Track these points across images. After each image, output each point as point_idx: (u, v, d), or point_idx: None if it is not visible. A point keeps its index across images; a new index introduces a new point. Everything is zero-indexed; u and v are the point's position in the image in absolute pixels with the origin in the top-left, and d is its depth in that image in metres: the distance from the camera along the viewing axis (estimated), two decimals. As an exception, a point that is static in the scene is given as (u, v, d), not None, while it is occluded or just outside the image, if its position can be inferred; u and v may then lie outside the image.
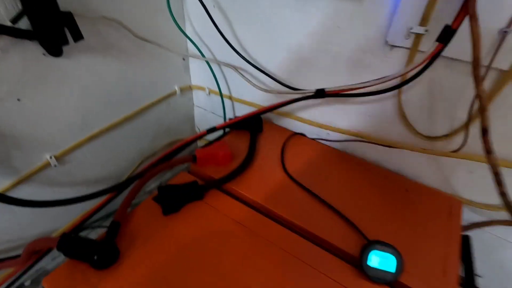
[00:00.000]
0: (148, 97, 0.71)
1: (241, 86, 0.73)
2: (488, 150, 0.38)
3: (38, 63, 0.47)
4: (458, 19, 0.36)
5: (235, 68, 0.68)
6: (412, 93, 0.50)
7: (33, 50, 0.46)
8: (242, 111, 0.77)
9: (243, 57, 0.64)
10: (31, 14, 0.42)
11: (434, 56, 0.39)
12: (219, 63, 0.72)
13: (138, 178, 0.55)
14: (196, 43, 0.71)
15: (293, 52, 0.60)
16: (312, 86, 0.60)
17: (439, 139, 0.52)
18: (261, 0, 0.57)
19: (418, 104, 0.51)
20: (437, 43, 0.38)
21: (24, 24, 0.43)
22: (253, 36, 0.64)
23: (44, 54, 0.47)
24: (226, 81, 0.76)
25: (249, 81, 0.66)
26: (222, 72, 0.74)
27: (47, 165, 0.55)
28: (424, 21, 0.43)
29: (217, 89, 0.76)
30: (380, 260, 0.39)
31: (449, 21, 0.39)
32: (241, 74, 0.68)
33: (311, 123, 0.66)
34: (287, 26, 0.57)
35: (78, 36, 0.48)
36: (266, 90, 0.66)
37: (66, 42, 0.47)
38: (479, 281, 0.62)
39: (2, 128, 0.47)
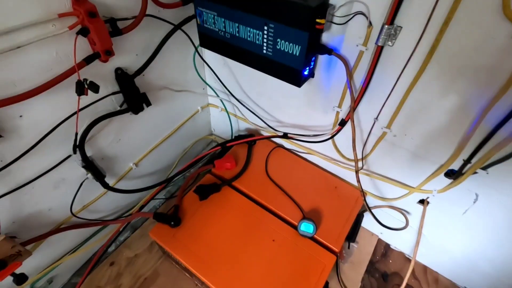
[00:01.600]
0: (180, 119, 1.09)
1: (242, 111, 1.09)
2: (357, 180, 0.77)
3: (128, 119, 0.85)
4: (347, 117, 0.72)
5: (236, 105, 1.05)
6: (339, 136, 0.87)
7: (126, 114, 0.83)
8: (243, 125, 1.15)
9: (238, 99, 1.00)
10: (128, 101, 0.79)
11: (338, 131, 0.76)
12: (228, 99, 1.07)
13: (178, 174, 0.97)
14: (212, 85, 1.06)
15: (271, 100, 0.95)
16: (285, 118, 0.97)
17: (353, 161, 0.90)
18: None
19: (343, 141, 0.88)
20: (339, 126, 0.75)
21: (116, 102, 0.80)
22: (248, 84, 0.98)
23: (131, 114, 0.84)
24: (232, 106, 1.12)
25: (244, 117, 1.03)
26: (231, 101, 1.10)
27: (130, 169, 0.96)
28: (339, 105, 0.78)
29: (226, 110, 1.13)
30: (305, 227, 0.81)
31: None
32: (239, 110, 1.04)
33: (286, 141, 1.04)
34: (268, 85, 0.92)
35: (148, 104, 0.85)
36: (254, 125, 1.03)
37: (143, 109, 0.84)
38: (380, 235, 1.06)
39: (111, 155, 0.87)
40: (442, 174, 0.74)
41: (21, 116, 0.60)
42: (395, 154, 0.79)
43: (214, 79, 1.06)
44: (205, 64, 1.02)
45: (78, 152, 0.73)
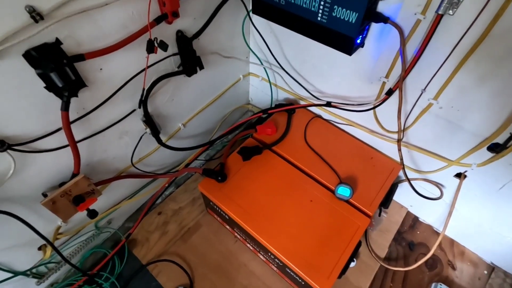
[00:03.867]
0: (224, 86, 1.14)
1: (282, 80, 1.13)
2: (399, 149, 0.81)
3: (182, 81, 0.92)
4: (395, 87, 0.74)
5: (278, 73, 1.08)
6: (382, 107, 0.89)
7: (180, 76, 0.89)
8: (283, 94, 1.19)
9: (283, 68, 1.03)
10: (184, 63, 0.85)
11: (384, 100, 0.78)
12: (270, 67, 1.11)
13: (218, 139, 1.05)
14: (257, 52, 1.10)
15: (315, 68, 0.98)
16: (327, 88, 1.00)
17: (393, 133, 0.92)
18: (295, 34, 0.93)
19: (384, 112, 0.91)
20: (385, 95, 0.77)
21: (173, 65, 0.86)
22: (293, 52, 1.01)
23: (184, 76, 0.91)
24: (273, 74, 1.15)
25: (287, 86, 1.07)
26: (272, 68, 1.13)
27: (179, 129, 1.04)
28: (387, 75, 0.80)
29: (267, 78, 1.17)
30: (342, 191, 0.87)
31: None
32: (282, 77, 1.08)
33: (325, 111, 1.08)
34: (313, 53, 0.94)
35: (201, 67, 0.90)
36: (294, 94, 1.07)
37: (196, 71, 0.90)
38: (409, 207, 1.10)
39: (165, 113, 0.94)
40: (485, 148, 0.76)
41: (101, 69, 0.67)
42: (438, 126, 0.81)
43: (258, 47, 1.09)
44: (251, 31, 1.05)
45: (142, 107, 0.80)
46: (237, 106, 1.31)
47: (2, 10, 0.48)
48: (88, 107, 0.70)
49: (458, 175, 0.88)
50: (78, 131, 0.71)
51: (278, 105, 1.09)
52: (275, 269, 0.94)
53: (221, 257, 0.99)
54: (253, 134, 1.04)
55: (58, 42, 0.56)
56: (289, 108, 1.04)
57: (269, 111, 1.06)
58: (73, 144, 0.66)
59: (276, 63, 1.05)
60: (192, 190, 1.17)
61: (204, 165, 1.26)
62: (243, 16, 0.98)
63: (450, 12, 0.60)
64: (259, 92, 1.29)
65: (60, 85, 0.59)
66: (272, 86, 1.19)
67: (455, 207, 0.92)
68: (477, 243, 1.01)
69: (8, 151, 0.59)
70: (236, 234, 1.01)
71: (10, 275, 0.76)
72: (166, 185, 1.09)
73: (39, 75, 0.57)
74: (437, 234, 1.07)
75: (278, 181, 0.92)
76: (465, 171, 0.86)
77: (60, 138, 0.67)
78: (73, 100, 0.64)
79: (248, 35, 1.07)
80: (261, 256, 0.96)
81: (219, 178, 0.90)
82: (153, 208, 1.11)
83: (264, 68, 1.13)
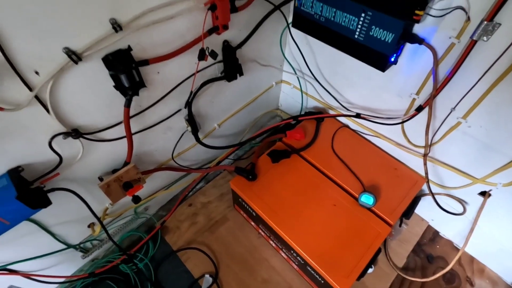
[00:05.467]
0: (258, 91, 1.22)
1: (313, 89, 1.19)
2: (425, 163, 0.84)
3: (222, 85, 1.00)
4: (426, 104, 0.78)
5: (309, 82, 1.14)
6: (410, 121, 0.93)
7: (222, 81, 0.97)
8: (312, 103, 1.25)
9: (315, 78, 1.09)
10: (227, 69, 0.93)
11: (413, 116, 0.82)
12: (303, 76, 1.17)
13: (250, 140, 1.12)
14: (291, 61, 1.16)
15: (346, 79, 1.03)
16: (356, 99, 1.05)
17: (420, 147, 0.96)
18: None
19: (412, 126, 0.94)
20: (415, 111, 0.81)
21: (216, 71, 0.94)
22: (325, 63, 1.06)
23: (225, 81, 0.99)
24: (305, 83, 1.21)
25: (317, 95, 1.13)
26: (304, 77, 1.20)
27: (214, 129, 1.13)
28: (417, 92, 0.84)
29: (299, 87, 1.23)
30: (366, 199, 0.91)
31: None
32: (313, 86, 1.14)
33: (353, 121, 1.12)
34: (346, 66, 0.99)
35: (241, 74, 0.98)
36: (323, 103, 1.12)
37: (236, 78, 0.98)
38: (431, 221, 1.13)
39: (204, 113, 1.03)
40: (511, 169, 0.78)
41: (158, 72, 0.77)
42: (464, 144, 0.84)
43: (292, 57, 1.16)
44: (287, 42, 1.12)
45: (187, 107, 0.89)
46: (267, 111, 1.38)
47: (92, 22, 0.58)
48: (144, 105, 0.80)
49: (483, 193, 0.90)
50: (133, 125, 0.80)
51: (308, 113, 1.15)
52: (295, 267, 1.00)
53: (244, 250, 1.06)
54: (283, 138, 1.11)
55: (129, 48, 0.66)
56: (319, 116, 1.10)
57: (299, 118, 1.12)
58: (129, 136, 0.76)
59: (309, 73, 1.12)
60: (220, 186, 1.25)
61: (232, 164, 1.33)
62: (282, 28, 1.05)
63: (484, 38, 0.64)
64: (289, 98, 1.35)
65: (126, 85, 0.69)
66: (303, 94, 1.25)
67: (478, 224, 0.94)
68: (498, 262, 1.02)
69: (80, 138, 0.69)
70: (260, 230, 1.08)
71: (64, 246, 0.87)
72: (199, 180, 1.18)
73: (111, 76, 0.67)
74: (457, 249, 1.09)
75: (304, 184, 0.98)
76: (490, 190, 0.88)
77: (119, 131, 0.77)
78: (133, 98, 0.74)
79: (285, 45, 1.14)
80: (283, 254, 1.02)
81: (250, 177, 0.97)
82: (185, 199, 1.20)
83: (297, 77, 1.19)
